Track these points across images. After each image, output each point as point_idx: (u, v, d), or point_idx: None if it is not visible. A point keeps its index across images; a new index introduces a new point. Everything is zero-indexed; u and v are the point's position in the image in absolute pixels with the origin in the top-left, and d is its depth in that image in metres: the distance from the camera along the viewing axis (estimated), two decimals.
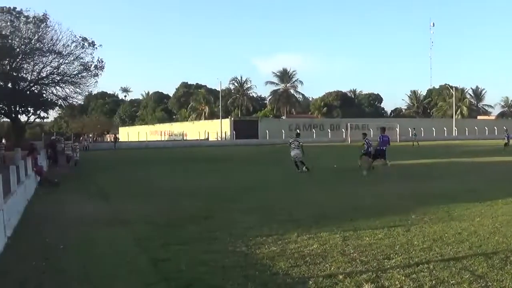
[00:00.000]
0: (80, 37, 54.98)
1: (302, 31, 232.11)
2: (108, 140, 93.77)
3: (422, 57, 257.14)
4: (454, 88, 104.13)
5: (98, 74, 57.78)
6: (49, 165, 31.62)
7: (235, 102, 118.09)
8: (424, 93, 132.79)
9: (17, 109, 56.11)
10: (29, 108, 57.59)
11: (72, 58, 55.00)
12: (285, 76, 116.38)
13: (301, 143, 25.36)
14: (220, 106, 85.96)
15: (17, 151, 34.05)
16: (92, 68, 56.90)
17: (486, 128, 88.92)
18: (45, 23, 52.61)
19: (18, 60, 52.33)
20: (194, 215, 12.92)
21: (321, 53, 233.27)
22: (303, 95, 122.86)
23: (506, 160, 31.75)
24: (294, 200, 15.51)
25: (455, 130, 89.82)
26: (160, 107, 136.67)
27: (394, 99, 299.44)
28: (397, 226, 10.80)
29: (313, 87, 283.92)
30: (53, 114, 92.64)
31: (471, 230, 10.30)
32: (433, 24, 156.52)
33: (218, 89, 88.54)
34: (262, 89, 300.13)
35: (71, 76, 56.14)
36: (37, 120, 65.21)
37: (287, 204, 14.55)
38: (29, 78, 54.93)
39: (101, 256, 8.96)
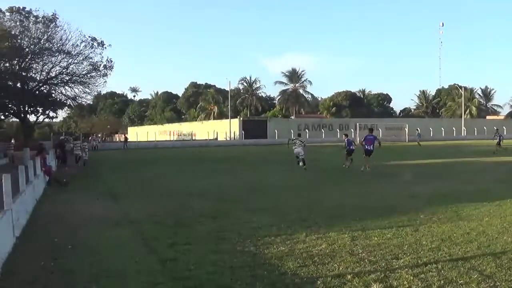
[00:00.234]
0: (89, 37, 55.15)
1: (311, 31, 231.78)
2: (117, 140, 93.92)
3: (431, 57, 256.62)
4: (463, 88, 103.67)
5: (107, 74, 57.88)
6: (58, 165, 31.72)
7: (244, 102, 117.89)
8: (433, 93, 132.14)
9: (26, 109, 56.32)
10: (38, 108, 57.81)
11: (81, 58, 55.14)
12: (294, 76, 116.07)
13: (304, 142, 27.14)
14: (229, 106, 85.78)
15: (26, 151, 34.24)
16: (101, 68, 57.02)
17: (495, 128, 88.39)
18: (54, 23, 52.76)
19: (27, 60, 52.50)
20: (202, 215, 12.93)
21: (330, 53, 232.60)
22: (312, 95, 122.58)
23: None
24: (302, 200, 15.50)
25: (464, 130, 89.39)
26: (169, 107, 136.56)
27: (403, 99, 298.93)
28: (405, 226, 10.78)
29: (322, 87, 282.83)
30: (62, 114, 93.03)
31: (479, 230, 10.27)
32: (442, 24, 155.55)
33: (227, 89, 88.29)
34: (271, 89, 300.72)
35: (80, 76, 56.25)
36: (46, 120, 65.57)
37: (296, 204, 14.54)
38: (38, 78, 55.08)
39: (110, 256, 8.99)
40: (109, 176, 25.83)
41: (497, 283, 6.90)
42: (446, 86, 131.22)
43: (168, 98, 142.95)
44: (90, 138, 69.42)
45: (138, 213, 13.45)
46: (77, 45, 54.24)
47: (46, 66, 54.46)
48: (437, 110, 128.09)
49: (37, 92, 55.50)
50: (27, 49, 52.32)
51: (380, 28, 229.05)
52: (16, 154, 38.70)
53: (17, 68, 52.42)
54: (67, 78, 56.06)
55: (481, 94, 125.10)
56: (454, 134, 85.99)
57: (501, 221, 11.17)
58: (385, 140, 72.72)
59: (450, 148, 49.88)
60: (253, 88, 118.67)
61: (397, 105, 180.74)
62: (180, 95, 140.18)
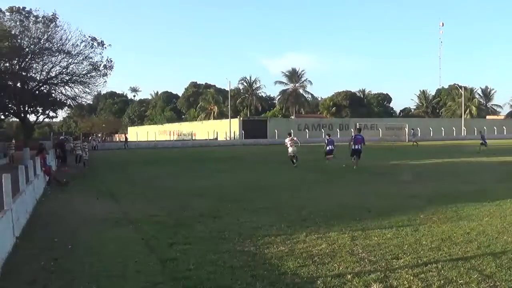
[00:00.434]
0: (89, 36, 54.93)
1: (311, 30, 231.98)
2: (117, 140, 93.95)
3: (431, 57, 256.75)
4: (463, 88, 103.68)
5: (107, 74, 57.59)
6: (58, 164, 31.73)
7: (244, 102, 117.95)
8: (433, 93, 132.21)
9: (26, 108, 56.16)
10: (38, 108, 57.69)
11: (81, 58, 54.92)
12: (294, 76, 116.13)
13: (297, 141, 28.63)
14: (229, 106, 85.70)
15: (26, 151, 34.27)
16: (101, 67, 56.78)
17: (495, 128, 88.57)
18: (54, 23, 52.59)
19: (27, 60, 52.36)
20: (202, 214, 12.94)
21: (330, 52, 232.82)
22: (312, 95, 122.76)
23: None
24: (302, 200, 15.48)
25: (464, 130, 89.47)
26: (169, 106, 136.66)
27: (403, 99, 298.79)
28: (405, 226, 10.79)
29: (322, 87, 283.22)
30: (62, 114, 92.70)
31: (479, 230, 10.27)
32: (443, 23, 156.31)
33: (227, 89, 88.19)
34: (271, 89, 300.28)
35: (80, 75, 56.07)
36: (46, 120, 65.34)
37: (296, 204, 14.53)
38: (38, 78, 54.92)
39: (110, 256, 8.98)
40: (109, 176, 25.84)
41: (497, 283, 6.90)
42: (446, 86, 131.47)
43: (168, 98, 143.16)
44: (90, 138, 69.50)
45: (138, 213, 13.45)
46: (77, 45, 54.07)
47: (46, 66, 54.33)
48: (437, 110, 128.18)
49: (37, 92, 55.38)
50: (27, 49, 52.21)
51: (380, 28, 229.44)
52: (16, 154, 38.72)
53: (17, 68, 52.31)
54: (67, 78, 55.92)
55: (481, 94, 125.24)
56: (454, 134, 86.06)
57: (501, 221, 11.17)
58: (385, 140, 73.36)
59: (450, 148, 49.86)
60: (253, 88, 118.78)
61: (397, 105, 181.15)
62: (180, 95, 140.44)
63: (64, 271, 8.07)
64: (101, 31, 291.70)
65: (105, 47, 56.29)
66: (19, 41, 51.81)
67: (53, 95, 57.53)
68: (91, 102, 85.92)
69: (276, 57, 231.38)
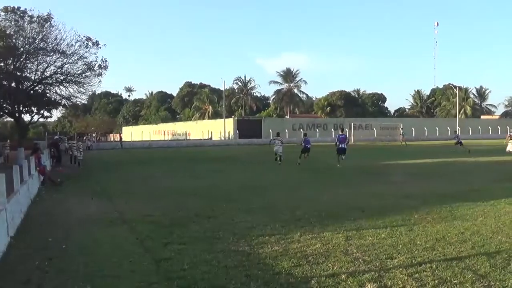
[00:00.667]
0: (84, 36, 54.68)
1: (307, 30, 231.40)
2: (112, 139, 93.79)
3: (426, 57, 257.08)
4: (457, 88, 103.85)
5: (102, 73, 57.33)
6: (53, 164, 31.66)
7: (239, 102, 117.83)
8: (427, 92, 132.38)
9: (21, 108, 56.02)
10: (32, 108, 57.51)
11: (76, 58, 54.69)
12: (288, 75, 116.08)
13: (282, 141, 31.22)
14: (223, 106, 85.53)
15: (21, 151, 34.18)
16: (96, 67, 56.55)
17: (490, 128, 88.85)
18: (49, 23, 52.39)
19: (22, 59, 52.18)
20: (197, 214, 12.94)
21: (325, 52, 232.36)
22: (306, 94, 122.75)
23: (509, 159, 31.62)
24: (297, 200, 15.49)
25: (458, 129, 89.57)
26: (164, 106, 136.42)
27: (397, 98, 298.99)
28: (400, 226, 10.82)
29: (316, 87, 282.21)
30: (56, 114, 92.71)
31: (474, 230, 10.31)
32: (437, 23, 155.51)
33: (222, 88, 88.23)
34: (266, 89, 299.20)
35: (75, 75, 55.87)
36: (41, 119, 65.09)
37: (290, 204, 14.54)
38: (32, 78, 54.71)
39: (104, 255, 8.98)
40: (104, 176, 25.80)
41: (491, 282, 6.93)
42: (440, 86, 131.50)
43: (162, 97, 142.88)
44: (84, 138, 69.40)
45: (133, 213, 13.43)
46: (72, 44, 53.86)
47: (40, 66, 54.13)
48: (432, 110, 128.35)
49: (31, 91, 55.17)
50: (22, 49, 52.04)
51: (375, 28, 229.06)
52: (11, 153, 38.63)
53: (12, 67, 52.16)
54: (62, 77, 55.72)
55: (475, 94, 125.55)
56: (449, 134, 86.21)
57: (496, 221, 11.21)
58: (379, 140, 73.46)
59: (444, 148, 49.95)
60: (248, 87, 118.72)
61: (391, 105, 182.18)
62: (174, 94, 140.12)
63: (58, 271, 8.06)
64: (96, 31, 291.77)
65: (100, 47, 56.13)
66: (13, 40, 51.61)
67: (47, 95, 57.33)
68: (86, 102, 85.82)
69: (271, 56, 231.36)
